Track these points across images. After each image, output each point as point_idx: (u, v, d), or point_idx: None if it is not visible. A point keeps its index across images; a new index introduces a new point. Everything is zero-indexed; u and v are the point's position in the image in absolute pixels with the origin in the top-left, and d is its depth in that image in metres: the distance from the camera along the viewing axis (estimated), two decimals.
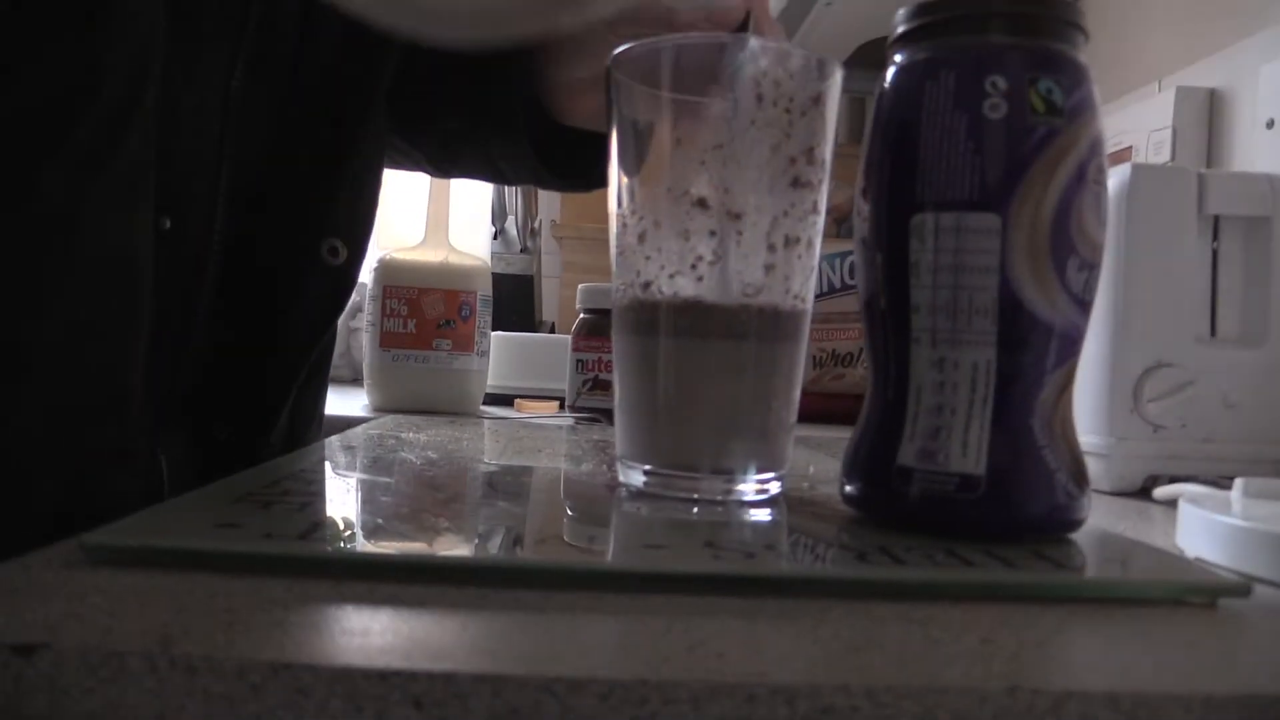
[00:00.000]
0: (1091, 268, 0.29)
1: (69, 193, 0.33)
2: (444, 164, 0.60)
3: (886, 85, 0.31)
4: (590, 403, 0.81)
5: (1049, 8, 0.29)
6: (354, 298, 1.22)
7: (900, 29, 0.30)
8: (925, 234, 0.28)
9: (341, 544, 0.25)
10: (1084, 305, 0.29)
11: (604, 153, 0.55)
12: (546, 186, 0.60)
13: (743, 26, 0.40)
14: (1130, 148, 0.92)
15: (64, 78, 0.33)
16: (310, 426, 0.54)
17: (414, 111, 0.53)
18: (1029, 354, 0.28)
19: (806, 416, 0.69)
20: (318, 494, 0.34)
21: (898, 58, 0.31)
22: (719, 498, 0.34)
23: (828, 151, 0.35)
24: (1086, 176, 0.28)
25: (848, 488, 0.32)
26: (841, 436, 0.72)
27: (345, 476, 0.39)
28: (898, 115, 0.30)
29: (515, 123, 0.51)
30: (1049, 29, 0.29)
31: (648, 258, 0.34)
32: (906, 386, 0.30)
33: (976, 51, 0.29)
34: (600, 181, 0.57)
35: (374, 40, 0.47)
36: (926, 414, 0.29)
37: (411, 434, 0.55)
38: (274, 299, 0.46)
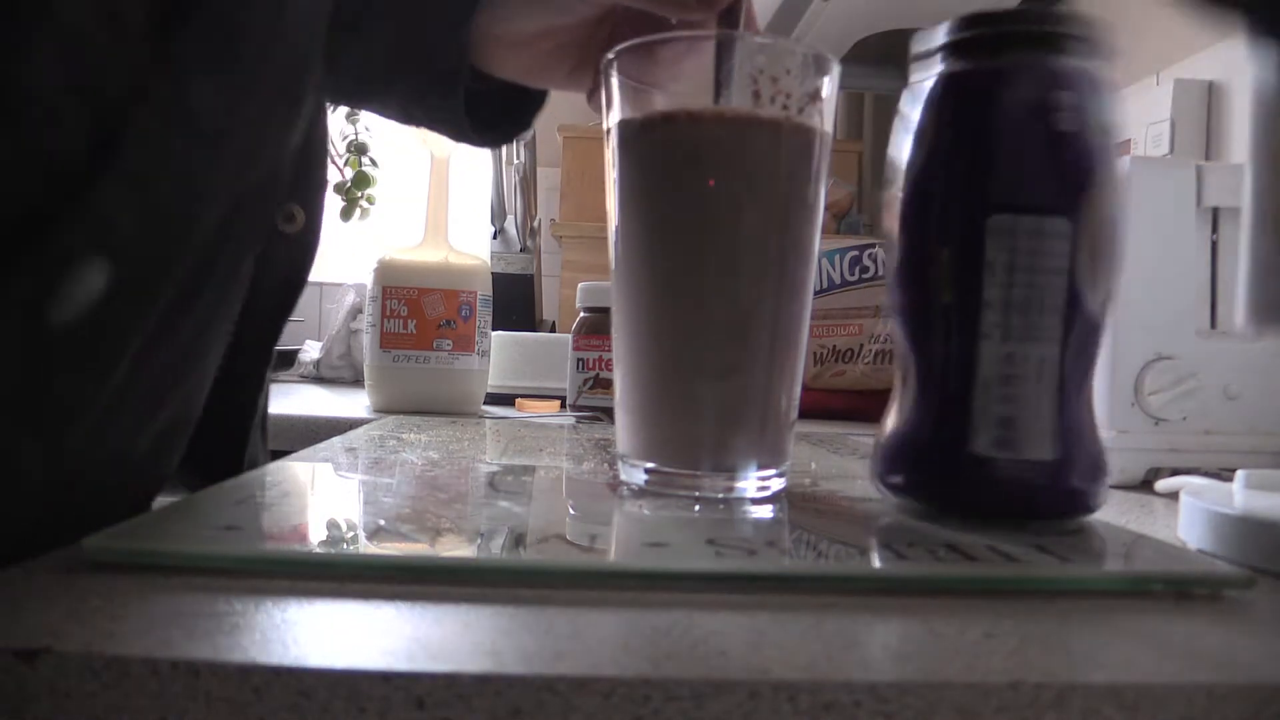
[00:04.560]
0: (1119, 267, 0.31)
1: None
2: (345, 97, 0.56)
3: (948, 87, 0.31)
4: (591, 401, 0.81)
5: (1101, 33, 0.31)
6: (354, 298, 1.22)
7: (967, 34, 0.31)
8: (1003, 235, 0.29)
9: (343, 546, 0.25)
10: (1110, 302, 0.31)
11: (522, 105, 0.53)
12: (458, 139, 0.56)
13: (730, 12, 0.39)
14: (1129, 140, 0.92)
15: None
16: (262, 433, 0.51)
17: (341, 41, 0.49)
18: (1081, 348, 0.31)
19: (807, 413, 0.68)
20: (319, 496, 0.34)
21: (961, 62, 0.31)
22: (721, 495, 0.34)
23: (825, 149, 0.35)
24: (1119, 183, 0.31)
25: (899, 478, 0.32)
26: (842, 432, 0.72)
27: (347, 478, 0.39)
28: (967, 118, 0.31)
29: (456, 79, 0.49)
30: (1101, 52, 0.31)
31: None
32: (973, 380, 0.30)
33: (1050, 68, 0.30)
34: (508, 136, 0.55)
35: None
36: (997, 405, 0.30)
37: (413, 434, 0.55)
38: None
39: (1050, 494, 0.30)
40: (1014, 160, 0.30)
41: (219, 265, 0.32)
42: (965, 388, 0.30)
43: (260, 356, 0.44)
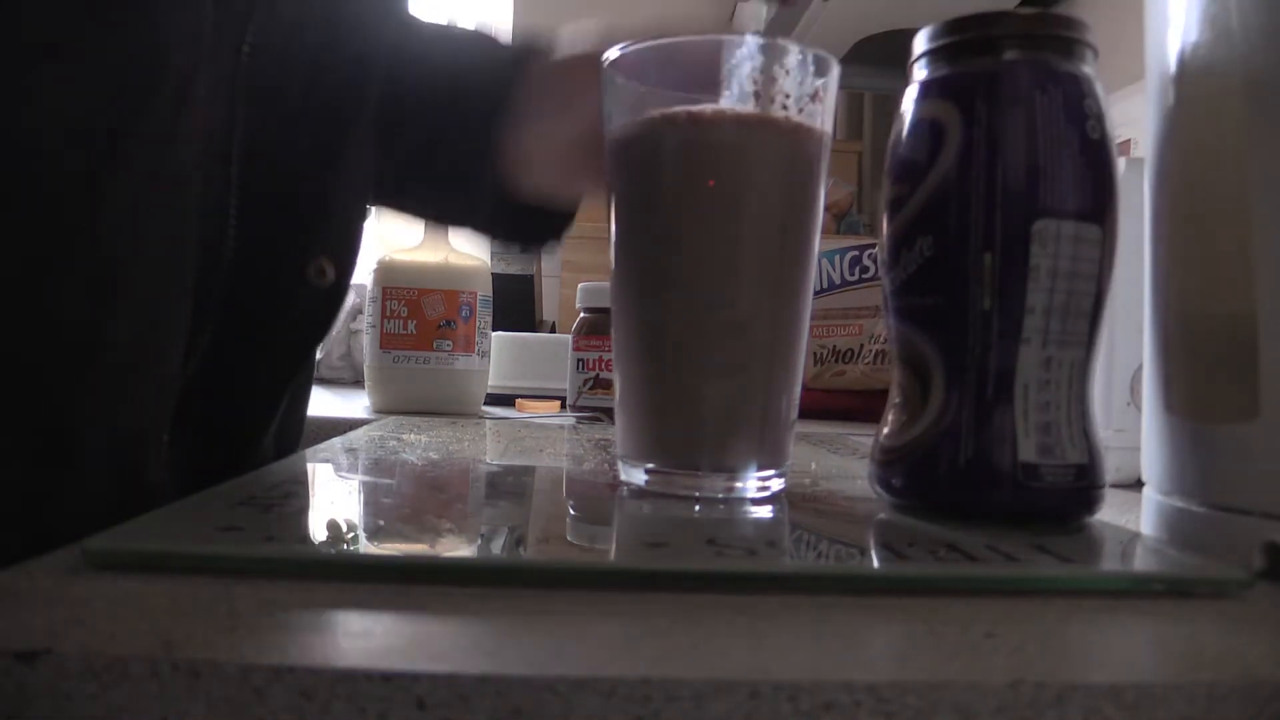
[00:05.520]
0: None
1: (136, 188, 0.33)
2: (385, 199, 0.58)
3: (979, 83, 0.30)
4: (591, 401, 0.81)
5: (1085, 38, 0.31)
6: (353, 299, 1.22)
7: (996, 31, 0.31)
8: (1048, 240, 0.30)
9: (343, 546, 0.25)
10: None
11: (549, 222, 0.54)
12: (493, 241, 0.59)
13: None
14: (1129, 140, 0.92)
15: (131, 58, 0.32)
16: (296, 449, 0.52)
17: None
18: (1097, 352, 0.31)
19: (807, 413, 0.68)
20: (319, 496, 0.34)
21: (992, 57, 0.31)
22: (721, 495, 0.34)
23: (825, 148, 0.35)
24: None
25: (927, 488, 0.31)
26: (843, 432, 0.72)
27: (347, 478, 0.39)
28: (1004, 118, 0.30)
29: (480, 181, 0.50)
30: (1092, 58, 0.31)
31: None
32: (1012, 385, 0.30)
33: (1075, 74, 0.31)
34: (540, 244, 0.56)
35: (360, 48, 0.46)
36: (1036, 411, 0.30)
37: (413, 435, 0.55)
38: (256, 322, 0.43)
39: (1082, 496, 0.31)
40: (1051, 165, 0.30)
41: (116, 157, 0.32)
42: (1005, 394, 0.30)
43: (274, 396, 0.45)
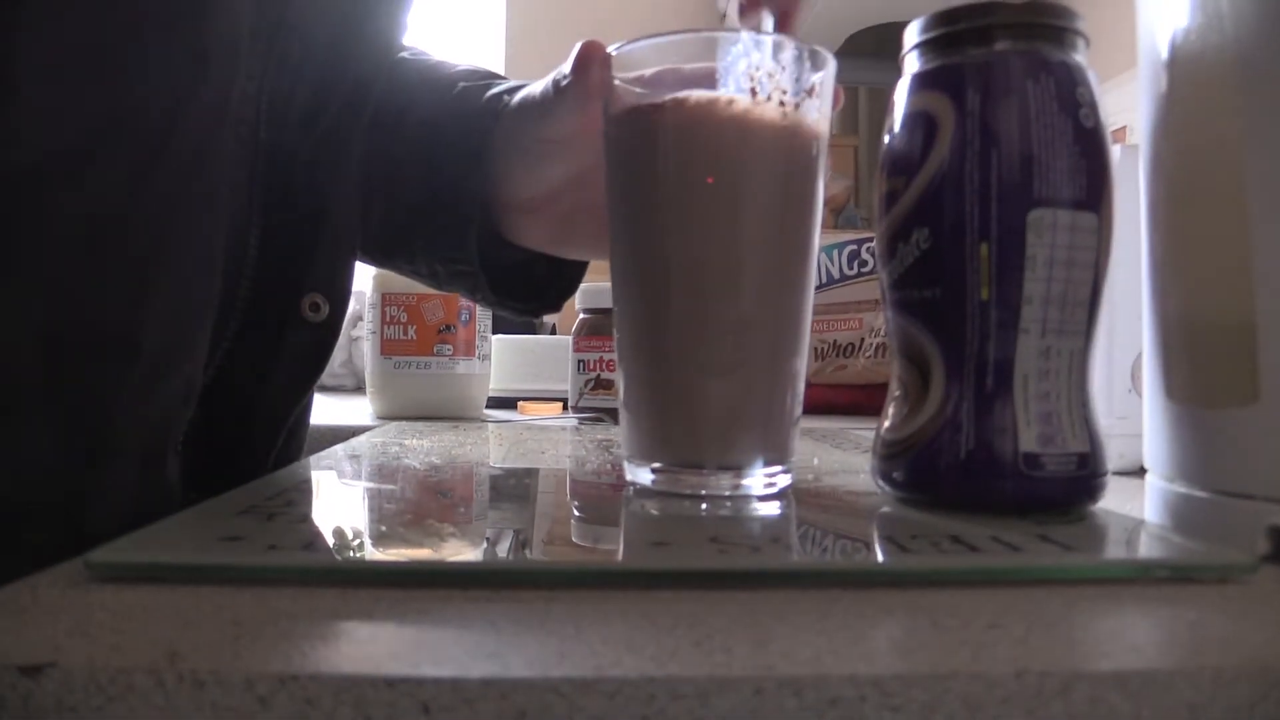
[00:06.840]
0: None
1: (170, 200, 0.33)
2: (380, 256, 0.58)
3: (971, 74, 0.30)
4: (593, 402, 0.81)
5: (1077, 27, 0.32)
6: (353, 306, 1.22)
7: (988, 21, 0.31)
8: (1044, 229, 0.30)
9: (346, 553, 0.25)
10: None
11: (551, 277, 0.54)
12: (485, 304, 0.57)
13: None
14: (1125, 127, 0.91)
15: (170, 72, 0.33)
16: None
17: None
18: (1096, 341, 0.31)
19: (810, 408, 0.68)
20: (321, 504, 0.34)
21: (983, 47, 0.31)
22: (727, 493, 0.33)
23: (823, 143, 0.35)
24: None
25: (933, 483, 0.31)
26: (845, 427, 0.72)
27: (349, 485, 0.39)
28: (998, 109, 0.30)
29: (467, 226, 0.50)
30: (1083, 46, 0.31)
31: None
32: (1011, 376, 0.30)
33: (1067, 63, 0.31)
34: (545, 308, 0.55)
35: (360, 71, 0.45)
36: (1036, 401, 0.30)
37: (415, 440, 0.55)
38: (250, 360, 0.43)
39: (1084, 484, 0.31)
40: (1045, 155, 0.30)
41: (158, 158, 0.33)
42: (1005, 384, 0.30)
43: (270, 435, 0.45)
